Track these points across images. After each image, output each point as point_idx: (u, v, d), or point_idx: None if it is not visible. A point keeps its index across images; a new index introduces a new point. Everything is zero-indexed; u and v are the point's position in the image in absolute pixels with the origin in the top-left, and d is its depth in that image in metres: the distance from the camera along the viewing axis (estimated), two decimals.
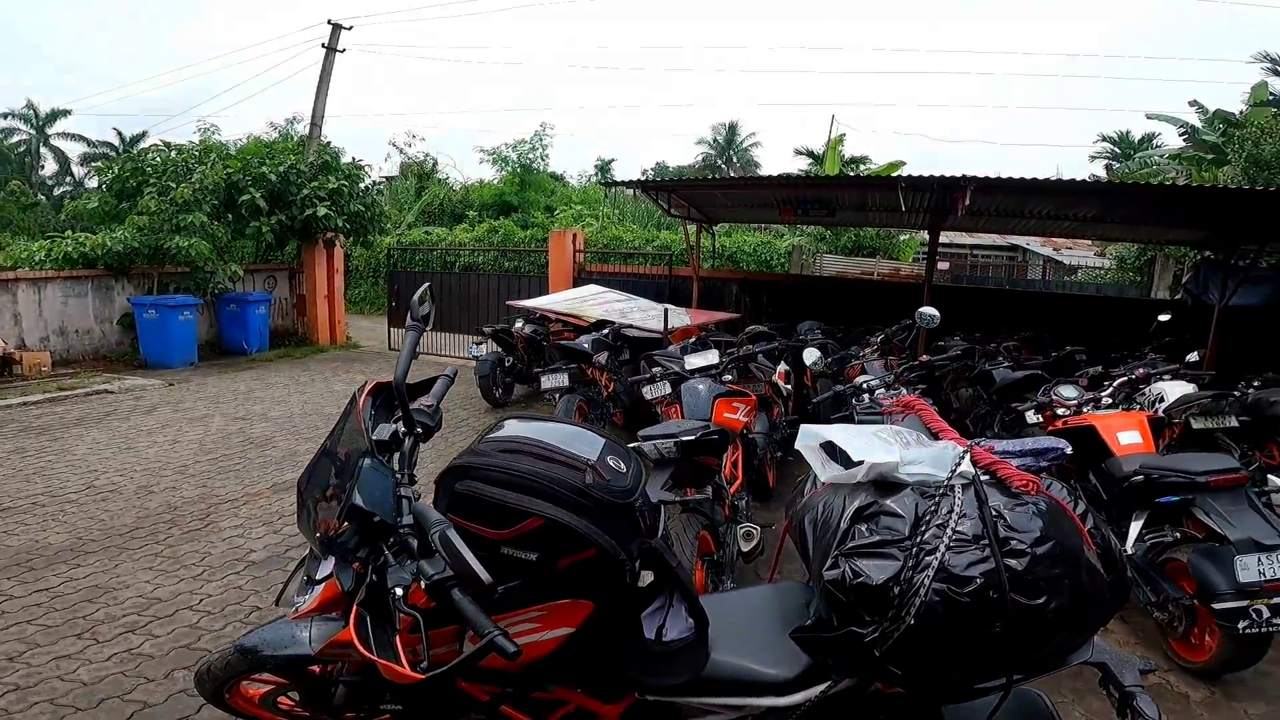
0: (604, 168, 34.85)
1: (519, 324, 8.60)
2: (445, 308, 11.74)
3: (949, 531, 1.42)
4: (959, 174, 6.21)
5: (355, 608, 1.61)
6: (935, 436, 2.10)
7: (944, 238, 9.10)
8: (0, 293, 9.41)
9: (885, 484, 1.62)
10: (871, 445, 1.75)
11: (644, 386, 5.38)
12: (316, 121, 14.46)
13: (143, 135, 31.09)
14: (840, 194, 8.65)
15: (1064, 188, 6.89)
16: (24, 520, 4.45)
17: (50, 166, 34.08)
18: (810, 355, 5.12)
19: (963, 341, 6.79)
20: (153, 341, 10.12)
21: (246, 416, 7.51)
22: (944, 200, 7.20)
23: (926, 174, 6.52)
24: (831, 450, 1.83)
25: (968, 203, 6.31)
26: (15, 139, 32.85)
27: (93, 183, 29.82)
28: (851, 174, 18.91)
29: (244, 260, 12.19)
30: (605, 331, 7.43)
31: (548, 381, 6.66)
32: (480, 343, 8.72)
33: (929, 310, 4.43)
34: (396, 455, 1.80)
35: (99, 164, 18.42)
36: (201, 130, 14.29)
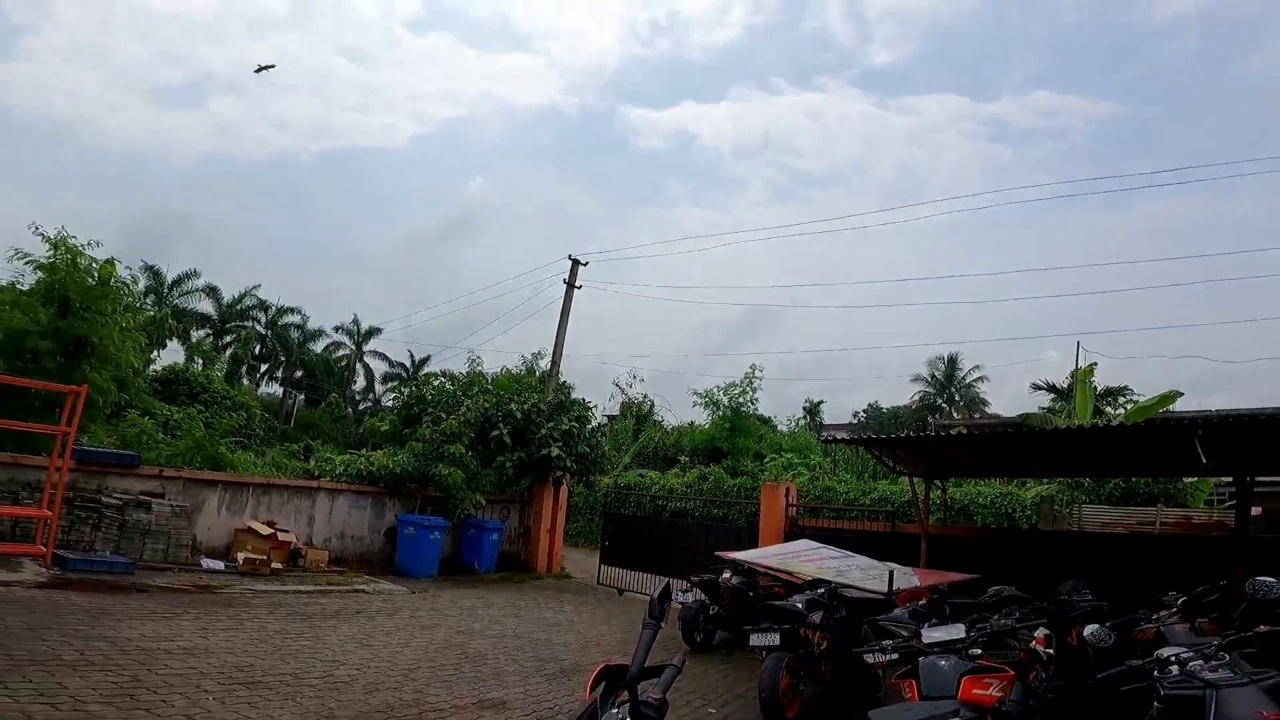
0: (813, 410, 34.11)
1: (726, 574, 8.34)
2: (655, 550, 11.74)
3: None
4: (1270, 406, 5.22)
5: None
6: None
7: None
8: (304, 498, 11.22)
9: None
10: None
11: (867, 655, 4.80)
12: (555, 359, 15.85)
13: (427, 359, 35.36)
14: (1108, 445, 7.57)
15: None
16: (268, 696, 4.74)
17: (360, 381, 39.77)
18: (1091, 630, 4.23)
19: None
20: (407, 553, 11.24)
21: (467, 631, 7.70)
22: (1259, 442, 6.00)
23: (1226, 409, 5.52)
24: None
25: None
26: (340, 353, 38.86)
27: (387, 400, 34.03)
28: (1109, 409, 16.22)
29: (486, 489, 13.32)
30: (820, 591, 6.88)
31: (756, 639, 6.25)
32: (688, 590, 8.45)
33: (1267, 580, 3.66)
34: None
35: (393, 385, 21.73)
36: (470, 361, 16.56)
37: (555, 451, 12.95)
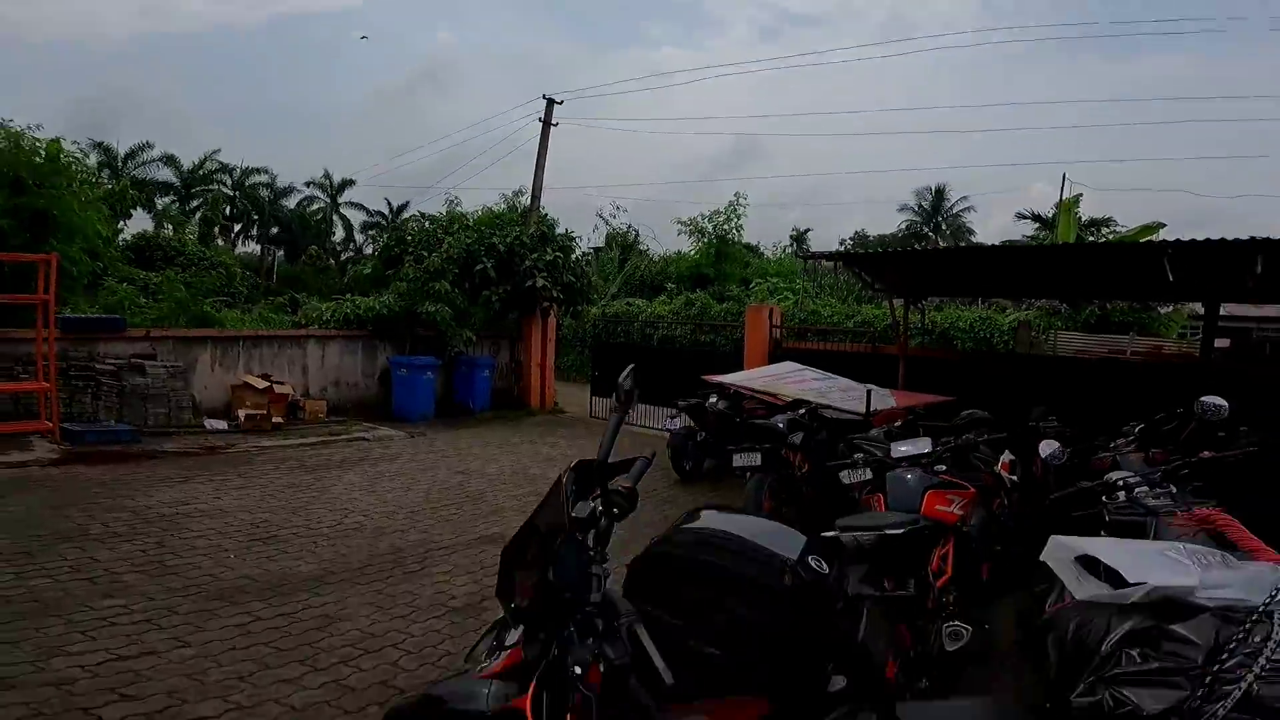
0: (799, 238, 34.20)
1: (713, 399, 8.54)
2: (643, 379, 12.02)
3: (1263, 660, 1.26)
4: (1246, 237, 5.23)
5: (534, 681, 1.60)
6: (1245, 556, 1.86)
7: (1225, 309, 7.62)
8: (295, 347, 11.27)
9: (1167, 607, 1.45)
10: (1153, 563, 1.56)
11: (841, 471, 5.02)
12: (535, 194, 15.62)
13: (406, 205, 34.97)
14: (1084, 266, 7.59)
15: None
16: (285, 549, 5.09)
17: (339, 233, 39.63)
18: (1047, 448, 4.40)
19: (1252, 434, 5.53)
20: (402, 396, 11.49)
21: (465, 471, 8.13)
22: (1227, 269, 6.04)
23: (1199, 238, 5.51)
24: (1090, 565, 1.65)
25: (1259, 270, 5.26)
26: (314, 207, 38.50)
27: (369, 248, 34.56)
28: (1092, 239, 16.61)
29: (474, 326, 13.29)
30: (801, 411, 7.11)
31: (739, 460, 6.49)
32: (675, 416, 8.78)
33: (1214, 400, 3.69)
34: (592, 532, 1.80)
35: (373, 233, 21.49)
36: (448, 202, 16.03)
37: (540, 282, 12.85)
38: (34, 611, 3.70)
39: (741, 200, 23.45)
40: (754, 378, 8.73)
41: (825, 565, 1.70)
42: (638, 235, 27.16)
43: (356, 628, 3.87)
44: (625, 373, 1.93)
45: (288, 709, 3.01)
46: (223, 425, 9.43)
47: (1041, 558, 1.81)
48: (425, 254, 12.50)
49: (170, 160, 32.19)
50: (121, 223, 19.29)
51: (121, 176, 27.29)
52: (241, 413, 9.59)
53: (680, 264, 24.30)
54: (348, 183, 38.06)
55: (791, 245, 32.19)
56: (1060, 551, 1.76)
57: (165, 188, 32.22)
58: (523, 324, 13.83)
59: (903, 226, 37.54)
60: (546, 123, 15.69)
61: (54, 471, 6.75)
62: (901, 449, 4.77)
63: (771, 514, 5.95)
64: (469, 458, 8.89)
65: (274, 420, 9.68)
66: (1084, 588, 1.64)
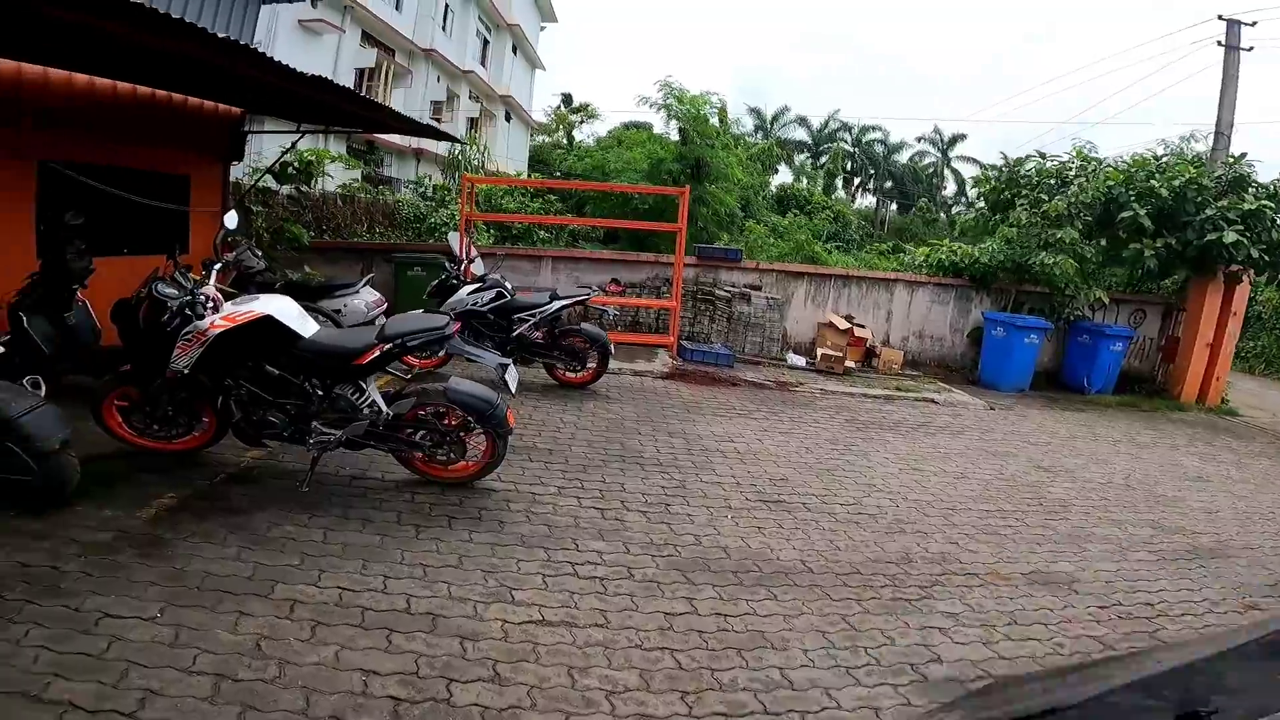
0: None
1: None
2: None
3: None
4: None
5: None
6: None
7: None
8: (882, 291, 10.52)
9: None
10: None
11: None
12: (1222, 131, 11.03)
13: (1025, 159, 32.89)
14: None
15: None
16: (781, 521, 4.34)
17: (950, 187, 40.37)
18: None
19: None
20: (992, 360, 9.60)
21: (1051, 469, 6.01)
22: None
23: None
24: None
25: None
26: (925, 161, 40.33)
27: (981, 201, 34.24)
28: None
29: (1110, 288, 10.37)
30: None
31: None
32: None
33: None
34: None
35: (976, 176, 19.51)
36: (1077, 148, 12.17)
37: (1230, 237, 8.99)
38: (534, 539, 3.63)
39: None
40: None
41: None
42: None
43: (780, 666, 2.79)
44: None
45: None
46: (801, 362, 9.57)
47: None
48: (1044, 198, 10.14)
49: (803, 121, 38.75)
50: (770, 176, 24.33)
51: (769, 137, 34.00)
52: (820, 351, 9.52)
53: None
54: (958, 137, 39.04)
55: None
56: None
57: (800, 146, 38.73)
58: (1189, 289, 9.99)
59: None
60: (1230, 46, 11.04)
61: (659, 384, 7.60)
62: None
63: None
64: (1065, 451, 6.62)
65: (846, 364, 9.30)
66: None
